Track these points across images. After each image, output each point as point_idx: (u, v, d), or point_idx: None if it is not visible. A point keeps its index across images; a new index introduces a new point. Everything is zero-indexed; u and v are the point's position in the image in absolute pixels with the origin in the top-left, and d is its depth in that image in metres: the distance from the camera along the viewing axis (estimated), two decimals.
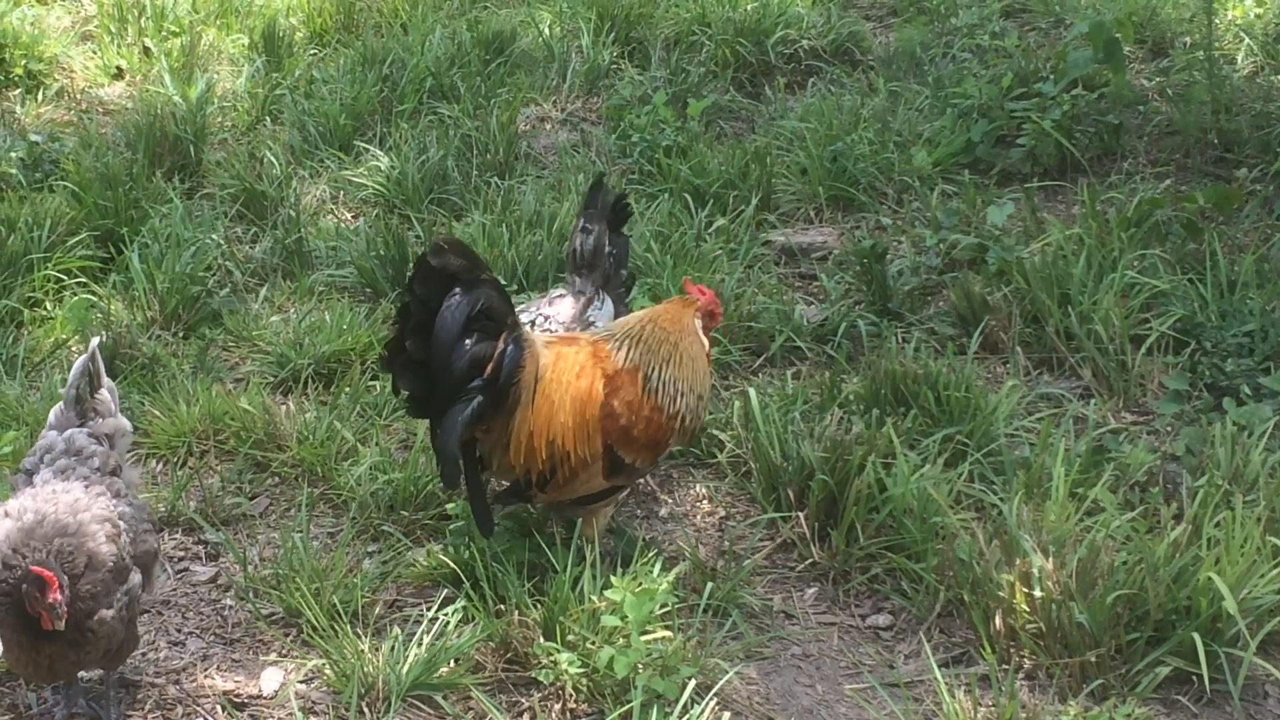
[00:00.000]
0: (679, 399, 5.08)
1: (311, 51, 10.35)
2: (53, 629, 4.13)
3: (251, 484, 5.97)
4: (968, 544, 5.08)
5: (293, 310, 7.21)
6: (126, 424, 4.99)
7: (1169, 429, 6.01)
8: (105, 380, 4.93)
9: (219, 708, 4.74)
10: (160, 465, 6.11)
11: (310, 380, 6.56)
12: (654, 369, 5.06)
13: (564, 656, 4.64)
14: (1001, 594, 4.88)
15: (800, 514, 5.47)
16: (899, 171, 8.11)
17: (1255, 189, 7.70)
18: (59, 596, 4.10)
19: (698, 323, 5.20)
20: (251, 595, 5.26)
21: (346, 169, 8.57)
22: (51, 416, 4.85)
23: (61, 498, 4.43)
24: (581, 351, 5.11)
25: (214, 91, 9.48)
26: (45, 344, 6.92)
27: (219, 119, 9.37)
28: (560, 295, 5.88)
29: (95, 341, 4.93)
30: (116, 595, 4.37)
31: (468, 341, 4.85)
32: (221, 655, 5.03)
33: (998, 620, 4.88)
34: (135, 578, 4.50)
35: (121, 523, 4.49)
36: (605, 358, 5.09)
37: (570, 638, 4.74)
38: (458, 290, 4.83)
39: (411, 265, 4.98)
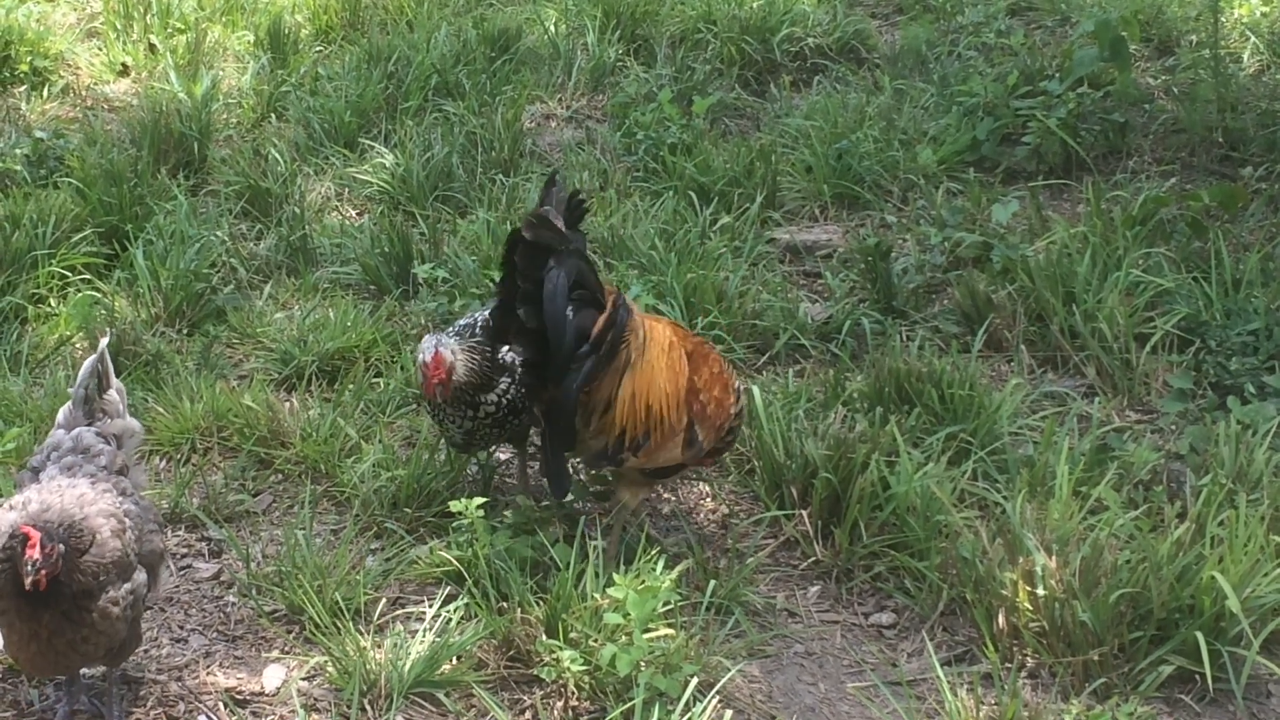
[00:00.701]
0: (735, 392, 5.30)
1: (317, 48, 10.36)
2: (32, 589, 4.11)
3: (255, 481, 5.97)
4: (971, 542, 5.07)
5: (297, 307, 7.21)
6: (136, 425, 4.99)
7: (1173, 428, 6.00)
8: (114, 381, 4.93)
9: (221, 704, 4.74)
10: (164, 462, 6.11)
11: (314, 377, 6.56)
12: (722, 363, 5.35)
13: (566, 654, 4.64)
14: (1004, 592, 4.87)
15: (803, 512, 5.46)
16: (904, 169, 8.11)
17: (1261, 187, 7.69)
18: (35, 554, 4.08)
19: None
20: (254, 592, 5.25)
21: (351, 166, 8.57)
22: (60, 415, 4.85)
23: (67, 492, 4.43)
24: (668, 329, 5.27)
25: (219, 88, 9.47)
26: (49, 340, 6.92)
27: (224, 116, 9.37)
28: None
29: (104, 342, 4.93)
30: (121, 591, 4.37)
31: (569, 313, 5.00)
32: (224, 652, 5.03)
33: (1001, 619, 4.88)
34: (140, 576, 4.50)
35: (127, 520, 4.48)
36: (686, 337, 5.29)
37: (573, 635, 4.73)
38: (552, 264, 4.97)
39: (507, 240, 5.09)
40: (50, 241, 7.46)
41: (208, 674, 4.89)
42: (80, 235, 7.58)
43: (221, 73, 9.90)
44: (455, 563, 5.14)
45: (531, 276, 4.97)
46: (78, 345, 6.83)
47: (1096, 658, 4.71)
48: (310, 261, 7.64)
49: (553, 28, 10.23)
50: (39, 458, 4.72)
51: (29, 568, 4.09)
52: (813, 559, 5.40)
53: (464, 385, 5.28)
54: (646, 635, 4.62)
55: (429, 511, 5.61)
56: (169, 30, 10.61)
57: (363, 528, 5.59)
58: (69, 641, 4.28)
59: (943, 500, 5.22)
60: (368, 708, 4.66)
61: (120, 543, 4.38)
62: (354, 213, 8.29)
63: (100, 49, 10.48)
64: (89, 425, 4.79)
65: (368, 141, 8.81)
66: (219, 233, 7.74)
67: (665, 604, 4.72)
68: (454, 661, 4.80)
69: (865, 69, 9.62)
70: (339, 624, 4.88)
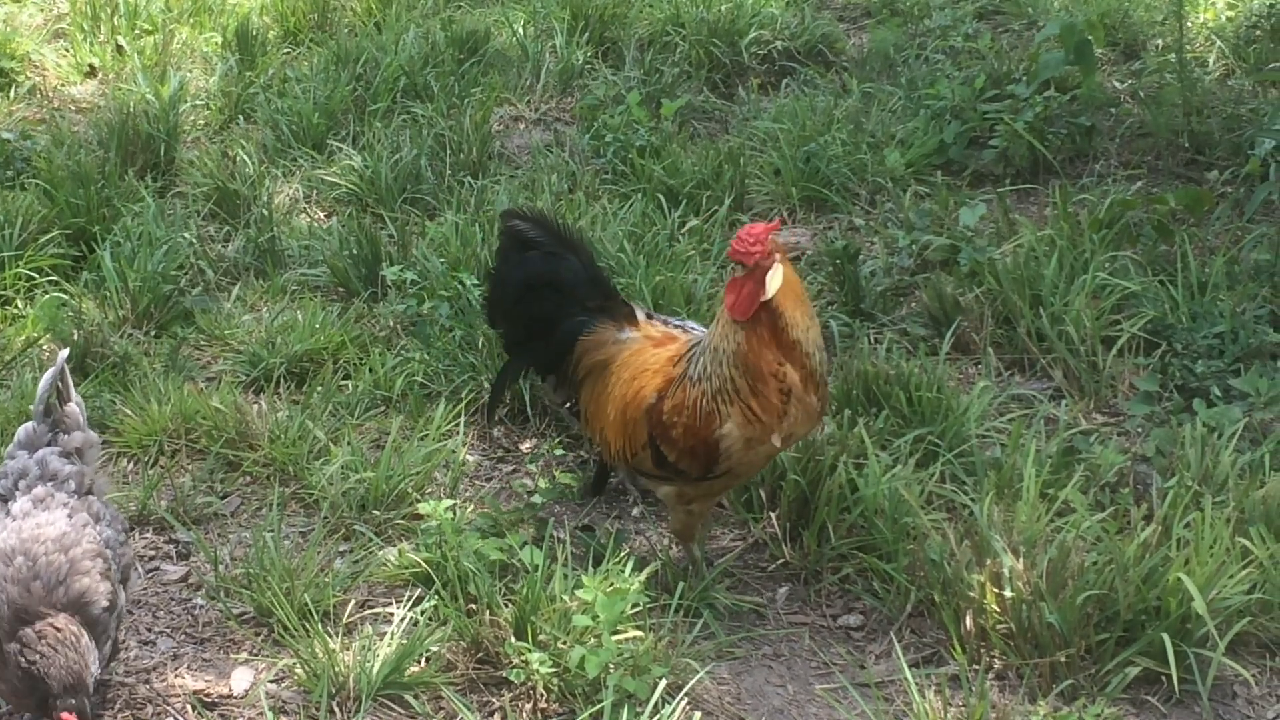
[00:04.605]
0: (716, 416, 4.86)
1: (285, 50, 10.31)
2: None
3: (223, 483, 5.95)
4: (939, 544, 5.09)
5: (265, 309, 7.19)
6: (94, 436, 4.89)
7: (1139, 430, 6.03)
8: (74, 395, 4.84)
9: (189, 707, 4.73)
10: (131, 464, 6.09)
11: (282, 379, 6.54)
12: (700, 387, 4.91)
13: (535, 656, 4.64)
14: (972, 594, 4.89)
15: (772, 514, 5.48)
16: (872, 172, 8.12)
17: (1226, 191, 7.73)
18: None
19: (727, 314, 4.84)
20: (222, 594, 5.24)
21: (319, 168, 8.55)
22: (21, 434, 4.76)
23: (47, 529, 4.38)
24: (660, 356, 5.09)
25: (187, 90, 9.43)
26: (16, 342, 6.88)
27: (192, 117, 9.33)
28: None
29: (63, 355, 4.81)
30: (110, 628, 4.38)
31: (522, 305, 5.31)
32: (192, 654, 5.02)
33: (968, 620, 4.90)
34: (122, 599, 4.50)
35: (108, 550, 4.47)
36: (674, 363, 5.02)
37: (541, 637, 4.73)
38: (534, 254, 5.25)
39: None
40: (17, 243, 7.41)
41: (175, 676, 4.88)
42: (47, 237, 7.53)
43: (189, 74, 9.85)
44: (424, 565, 5.14)
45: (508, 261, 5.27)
46: (44, 347, 6.79)
47: (1063, 659, 4.74)
48: (278, 263, 7.62)
49: (521, 30, 10.21)
50: (4, 483, 4.64)
51: None
52: (781, 561, 5.41)
53: None
54: (615, 637, 4.62)
55: (397, 514, 5.61)
56: (136, 31, 10.56)
57: (331, 530, 5.58)
58: None
59: (910, 502, 5.23)
60: (336, 710, 4.65)
61: (109, 584, 4.38)
62: (322, 214, 8.27)
63: (67, 50, 10.42)
64: (50, 444, 4.71)
65: (336, 143, 8.78)
66: (187, 234, 7.70)
67: (634, 606, 4.73)
68: (422, 663, 4.80)
69: (833, 72, 9.64)
70: (307, 626, 4.87)
